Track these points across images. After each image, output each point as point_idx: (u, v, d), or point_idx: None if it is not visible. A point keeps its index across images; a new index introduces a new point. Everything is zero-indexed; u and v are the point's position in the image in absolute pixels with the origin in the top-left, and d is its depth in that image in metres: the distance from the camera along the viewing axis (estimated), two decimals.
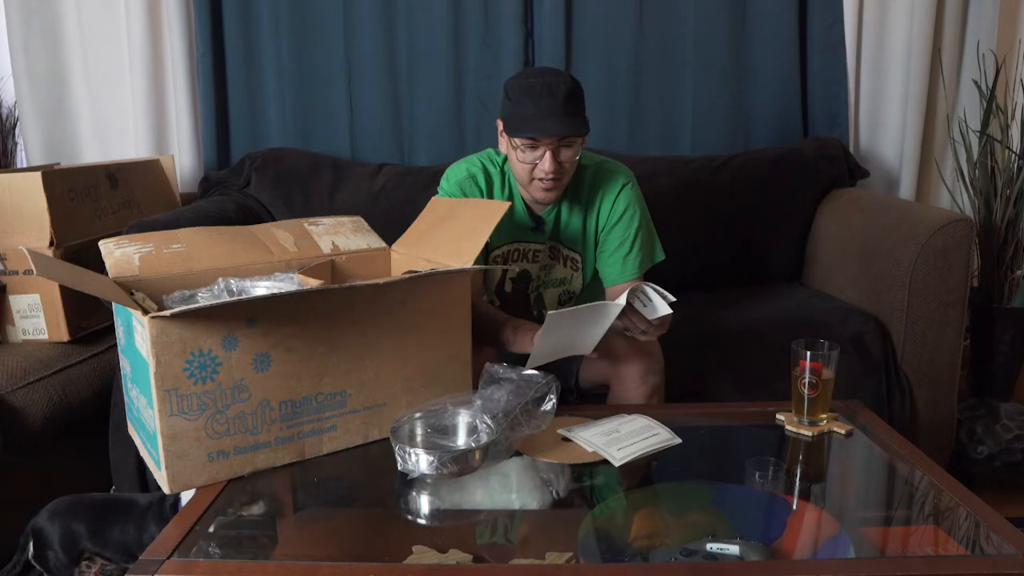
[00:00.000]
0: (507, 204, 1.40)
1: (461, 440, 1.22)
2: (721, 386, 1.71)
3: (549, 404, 1.23)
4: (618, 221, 1.56)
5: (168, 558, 0.94)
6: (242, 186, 2.23)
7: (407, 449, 1.13)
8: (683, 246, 1.75)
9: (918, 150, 2.37)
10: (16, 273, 1.74)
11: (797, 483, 1.22)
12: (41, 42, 2.35)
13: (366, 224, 1.59)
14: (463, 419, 1.23)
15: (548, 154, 1.42)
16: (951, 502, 1.08)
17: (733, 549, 0.93)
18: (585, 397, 1.64)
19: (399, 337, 1.25)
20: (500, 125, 1.50)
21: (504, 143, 1.51)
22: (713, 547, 0.94)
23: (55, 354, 1.74)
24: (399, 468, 1.14)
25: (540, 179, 1.45)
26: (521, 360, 1.32)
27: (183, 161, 2.38)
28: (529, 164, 1.44)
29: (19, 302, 1.76)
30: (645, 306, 1.34)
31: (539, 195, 1.50)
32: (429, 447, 1.18)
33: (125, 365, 1.26)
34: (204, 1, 2.31)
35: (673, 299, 1.32)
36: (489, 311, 1.51)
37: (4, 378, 1.61)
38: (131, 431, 1.31)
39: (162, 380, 1.06)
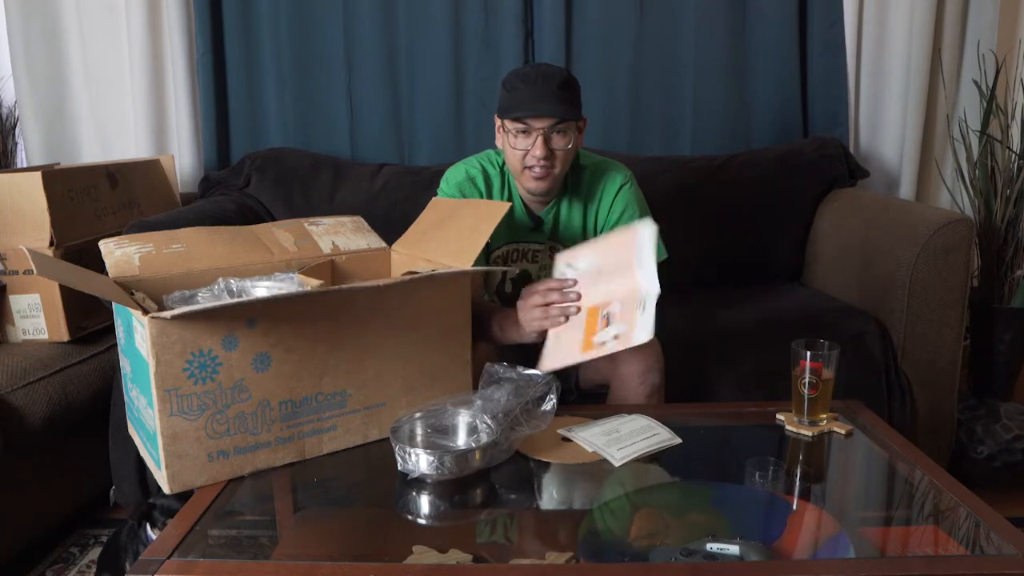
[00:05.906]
0: (508, 204, 1.40)
1: (461, 440, 1.22)
2: (721, 386, 1.71)
3: (549, 404, 1.23)
4: (617, 221, 1.56)
5: (168, 558, 0.94)
6: (242, 186, 2.24)
7: (407, 449, 1.12)
8: (683, 246, 1.75)
9: (918, 150, 2.37)
10: (16, 273, 1.74)
11: (797, 483, 1.21)
12: (41, 42, 2.35)
13: (366, 224, 1.59)
14: (463, 419, 1.23)
15: (539, 139, 1.42)
16: (951, 502, 1.08)
17: (733, 549, 0.93)
18: (585, 397, 1.63)
19: (399, 337, 1.25)
20: (497, 121, 1.51)
21: (500, 137, 1.51)
22: (713, 547, 0.93)
23: (55, 354, 1.74)
24: (399, 468, 1.13)
25: (530, 167, 1.46)
26: (520, 359, 1.32)
27: (183, 161, 2.38)
28: (521, 151, 1.45)
29: (19, 302, 1.76)
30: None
31: (530, 184, 1.49)
32: (429, 447, 1.18)
33: (125, 365, 1.26)
34: (204, 1, 2.31)
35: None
36: (481, 305, 1.51)
37: (4, 378, 1.60)
38: (131, 431, 1.31)
39: (162, 380, 1.06)
